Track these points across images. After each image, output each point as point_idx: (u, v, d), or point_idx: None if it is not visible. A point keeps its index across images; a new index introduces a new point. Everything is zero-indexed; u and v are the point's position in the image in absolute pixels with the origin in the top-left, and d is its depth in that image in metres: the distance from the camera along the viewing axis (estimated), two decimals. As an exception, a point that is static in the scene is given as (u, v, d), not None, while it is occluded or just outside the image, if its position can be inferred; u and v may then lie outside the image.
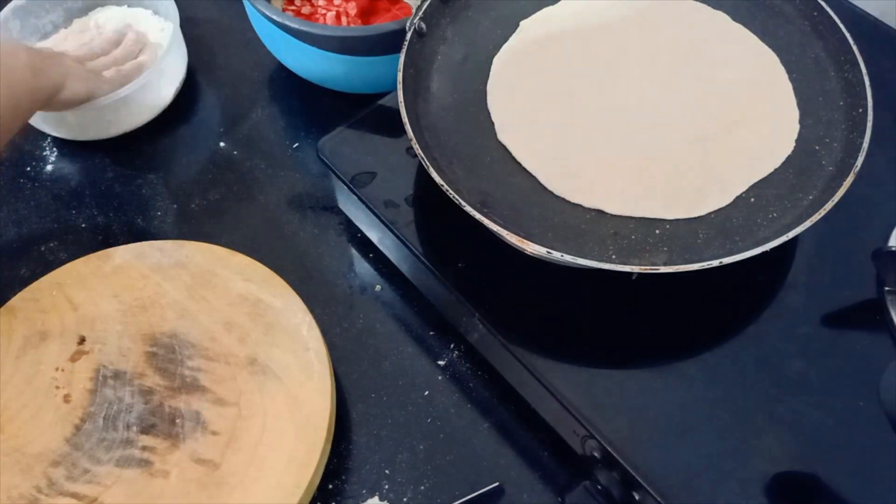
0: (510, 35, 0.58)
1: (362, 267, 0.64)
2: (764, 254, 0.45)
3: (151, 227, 0.66)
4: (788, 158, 0.52)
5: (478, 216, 0.47)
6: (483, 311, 0.52)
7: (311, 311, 0.57)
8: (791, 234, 0.46)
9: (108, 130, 0.69)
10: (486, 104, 0.55)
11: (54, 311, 0.58)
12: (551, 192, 0.51)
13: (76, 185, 0.69)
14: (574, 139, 0.53)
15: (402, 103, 0.51)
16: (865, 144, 0.50)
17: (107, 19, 0.75)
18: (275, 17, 0.64)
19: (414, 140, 0.50)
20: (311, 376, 0.54)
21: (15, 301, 0.58)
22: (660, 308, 0.52)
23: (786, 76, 0.56)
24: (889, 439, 0.47)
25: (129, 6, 0.75)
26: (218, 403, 0.54)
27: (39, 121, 0.69)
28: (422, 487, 0.54)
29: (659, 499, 0.45)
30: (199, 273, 0.59)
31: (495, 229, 0.47)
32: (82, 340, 0.57)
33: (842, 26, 0.55)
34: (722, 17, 0.59)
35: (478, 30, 0.59)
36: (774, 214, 0.49)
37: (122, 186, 0.69)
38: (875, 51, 0.57)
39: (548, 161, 0.52)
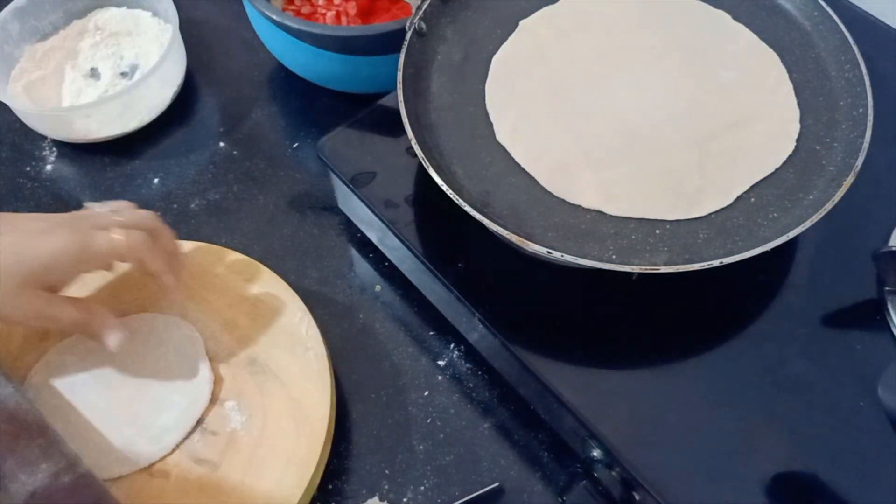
0: (510, 35, 0.58)
1: (362, 267, 0.64)
2: (764, 254, 0.45)
3: (151, 227, 0.66)
4: (789, 158, 0.52)
5: (478, 216, 0.47)
6: (483, 311, 0.52)
7: (311, 311, 0.57)
8: (791, 234, 0.46)
9: (107, 132, 0.69)
10: (485, 104, 0.55)
11: (54, 311, 0.58)
12: (551, 193, 0.51)
13: (76, 186, 0.69)
14: (573, 139, 0.53)
15: (402, 103, 0.51)
16: (866, 144, 0.50)
17: (106, 21, 0.75)
18: (275, 17, 0.64)
19: (414, 140, 0.50)
20: (311, 376, 0.54)
21: (15, 301, 0.58)
22: (660, 308, 0.52)
23: (786, 76, 0.56)
24: (889, 439, 0.47)
25: (128, 7, 0.75)
26: (217, 403, 0.54)
27: (37, 123, 0.69)
28: (422, 487, 0.54)
29: (659, 499, 0.45)
30: (199, 273, 0.59)
31: (495, 229, 0.47)
32: (82, 340, 0.57)
33: (842, 26, 0.55)
34: (723, 17, 0.59)
35: (478, 30, 0.59)
36: (775, 214, 0.49)
37: (122, 187, 0.69)
38: (875, 51, 0.57)
39: (547, 162, 0.52)
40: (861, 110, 0.52)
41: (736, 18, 0.59)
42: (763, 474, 0.46)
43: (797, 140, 0.53)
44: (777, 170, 0.51)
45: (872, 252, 0.52)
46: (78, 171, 0.70)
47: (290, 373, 0.54)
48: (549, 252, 0.46)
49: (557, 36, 0.58)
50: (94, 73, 0.72)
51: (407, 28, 0.56)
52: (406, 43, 0.55)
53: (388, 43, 0.63)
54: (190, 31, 0.77)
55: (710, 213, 0.50)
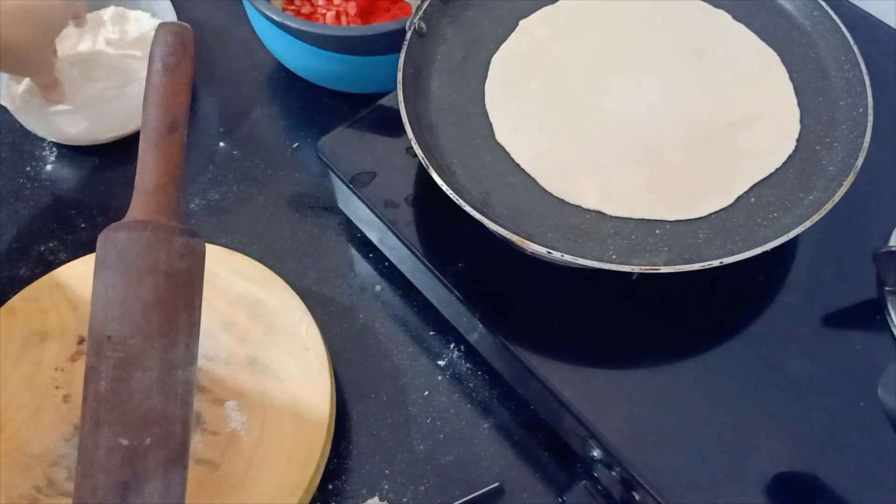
0: (510, 35, 0.58)
1: (362, 267, 0.64)
2: (764, 254, 0.45)
3: (151, 227, 0.66)
4: (789, 158, 0.52)
5: (478, 216, 0.47)
6: (483, 311, 0.52)
7: (311, 311, 0.57)
8: (791, 234, 0.46)
9: (106, 134, 0.69)
10: (485, 104, 0.55)
11: (54, 311, 0.58)
12: (551, 193, 0.51)
13: (76, 185, 0.69)
14: (573, 139, 0.53)
15: (402, 103, 0.51)
16: (866, 144, 0.50)
17: (105, 21, 0.75)
18: (275, 17, 0.64)
19: (414, 140, 0.50)
20: (311, 376, 0.54)
21: (15, 301, 0.58)
22: (660, 308, 0.52)
23: (786, 76, 0.56)
24: (889, 439, 0.47)
25: (126, 8, 0.75)
26: (217, 403, 0.54)
27: (35, 125, 0.69)
28: (422, 487, 0.54)
29: (659, 499, 0.45)
30: (198, 273, 0.59)
31: (495, 229, 0.47)
32: (82, 341, 0.56)
33: (842, 26, 0.55)
34: (723, 16, 0.59)
35: (478, 30, 0.59)
36: (775, 214, 0.49)
37: (122, 186, 0.69)
38: (875, 51, 0.57)
39: (546, 162, 0.52)
40: (861, 110, 0.52)
41: (736, 18, 0.59)
42: (763, 474, 0.46)
43: (797, 140, 0.53)
44: (777, 170, 0.51)
45: (872, 252, 0.52)
46: (78, 171, 0.70)
47: (290, 373, 0.54)
48: (549, 252, 0.46)
49: (557, 36, 0.58)
50: (92, 74, 0.72)
51: (407, 28, 0.56)
52: (406, 43, 0.55)
53: (388, 43, 0.63)
54: (190, 31, 0.76)
55: (710, 214, 0.50)
